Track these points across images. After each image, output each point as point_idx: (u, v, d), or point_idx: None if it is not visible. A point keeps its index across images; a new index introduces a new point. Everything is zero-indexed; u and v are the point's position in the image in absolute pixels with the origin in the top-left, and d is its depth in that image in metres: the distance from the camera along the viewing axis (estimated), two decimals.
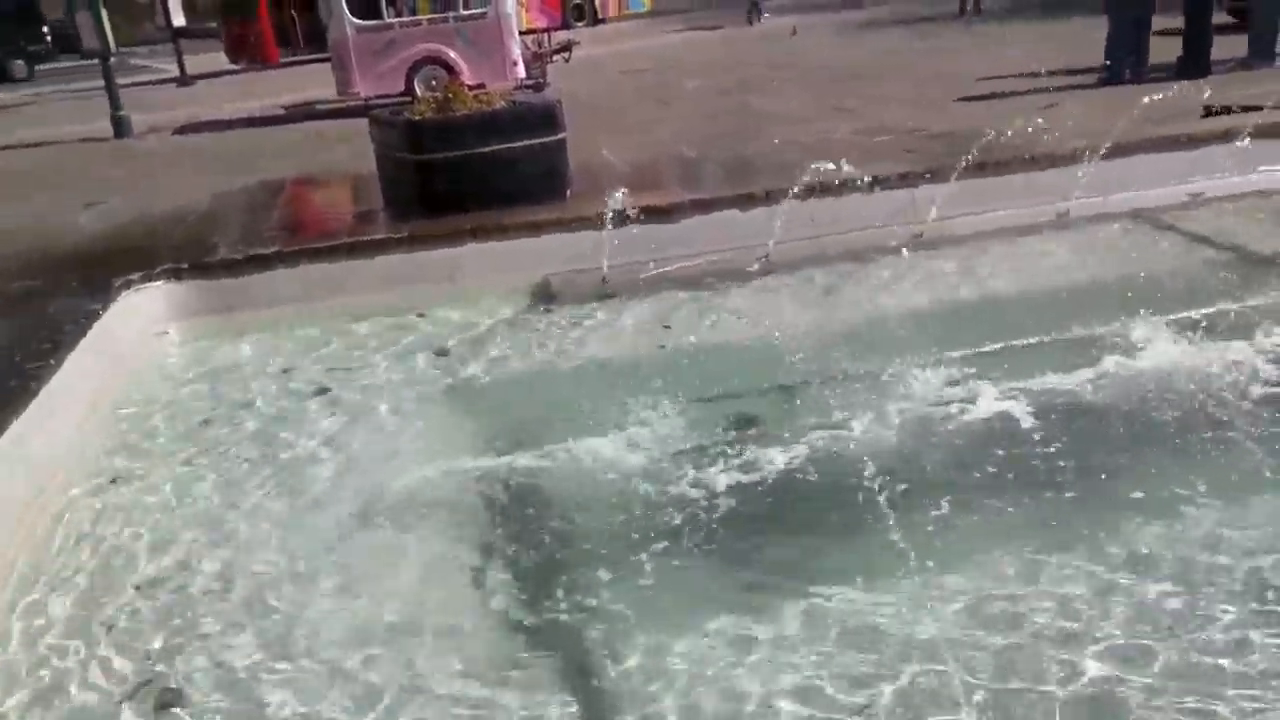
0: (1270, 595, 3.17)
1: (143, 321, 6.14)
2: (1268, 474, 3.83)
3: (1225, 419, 4.27)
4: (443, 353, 5.71)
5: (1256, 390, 4.44)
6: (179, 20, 21.73)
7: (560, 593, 3.52)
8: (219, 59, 21.55)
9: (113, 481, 4.55)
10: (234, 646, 3.37)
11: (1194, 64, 10.26)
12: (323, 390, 5.34)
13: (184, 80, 21.33)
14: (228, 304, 6.42)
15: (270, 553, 3.91)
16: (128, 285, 6.21)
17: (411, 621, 3.44)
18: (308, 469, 4.54)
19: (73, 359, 5.04)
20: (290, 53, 21.94)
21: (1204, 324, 4.94)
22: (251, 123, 14.15)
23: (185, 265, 6.57)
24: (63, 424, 4.74)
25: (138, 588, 3.74)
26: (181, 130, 14.14)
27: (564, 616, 3.40)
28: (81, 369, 5.07)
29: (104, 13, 13.48)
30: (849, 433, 4.37)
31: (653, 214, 6.59)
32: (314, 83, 16.32)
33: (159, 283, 6.40)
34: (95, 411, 5.12)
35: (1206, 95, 8.10)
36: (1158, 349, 4.84)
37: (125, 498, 4.40)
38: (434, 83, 12.44)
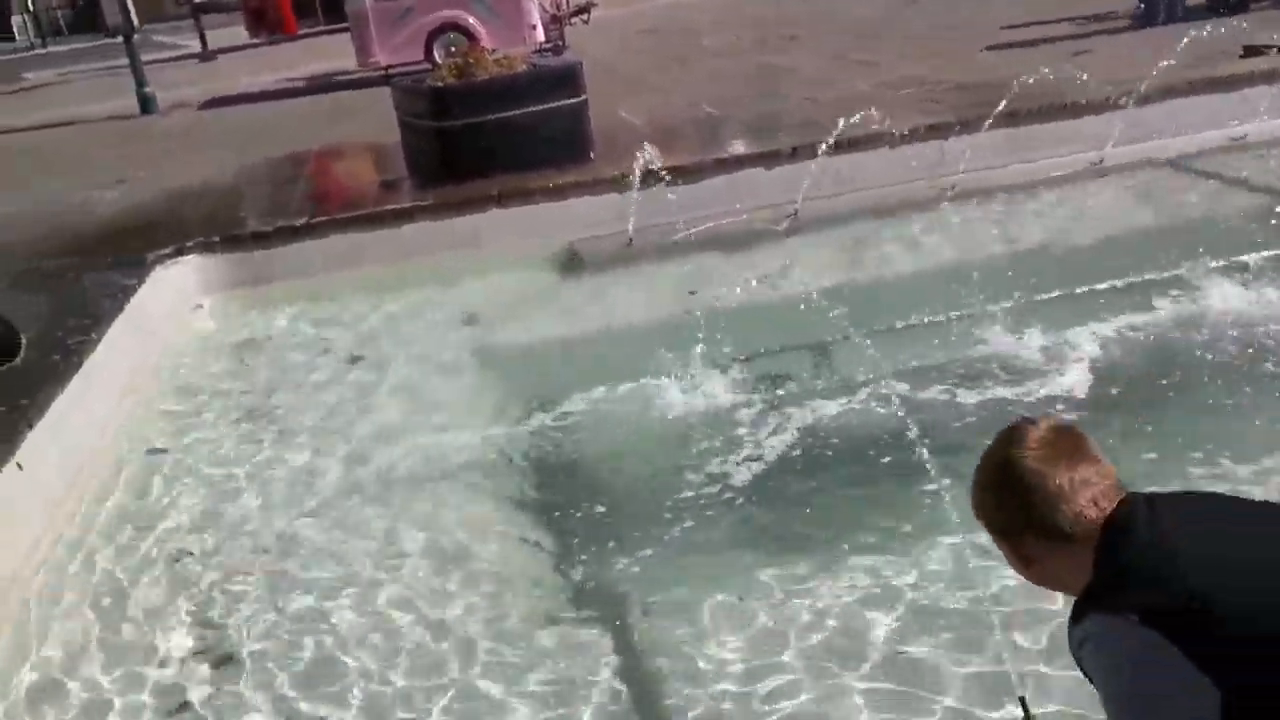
0: None
1: (177, 295, 6.19)
2: None
3: (1254, 353, 4.22)
4: (472, 320, 5.72)
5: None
6: None
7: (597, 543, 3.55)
8: (239, 33, 21.52)
9: (151, 452, 4.60)
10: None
11: (1230, 3, 10.00)
12: (356, 358, 5.37)
13: (206, 55, 21.31)
14: (259, 276, 6.47)
15: (311, 519, 3.96)
16: (160, 260, 6.27)
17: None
18: (346, 434, 4.58)
19: (110, 335, 5.10)
20: (309, 24, 21.89)
21: (1251, 269, 4.87)
22: (274, 96, 14.12)
23: (216, 239, 6.62)
24: (102, 399, 4.80)
25: (191, 554, 3.80)
26: (206, 105, 14.14)
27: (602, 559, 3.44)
28: (119, 344, 5.13)
29: None
30: (882, 384, 4.35)
31: (677, 175, 6.54)
32: (334, 53, 16.24)
33: (191, 257, 6.45)
34: (135, 386, 5.17)
35: (1245, 34, 7.89)
36: (1202, 296, 4.78)
37: (171, 468, 4.45)
38: (453, 49, 12.34)
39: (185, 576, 3.68)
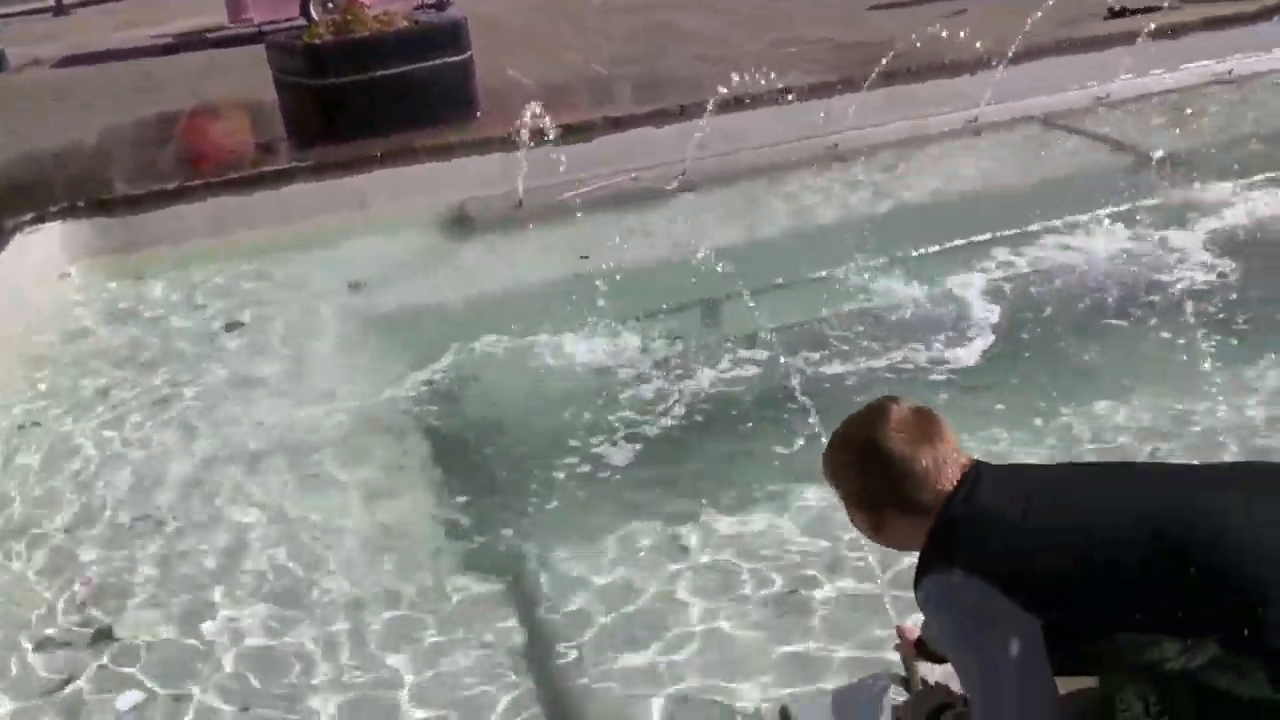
0: None
1: (41, 263, 5.87)
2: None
3: (1127, 302, 4.45)
4: (356, 284, 5.58)
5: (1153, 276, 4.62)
6: None
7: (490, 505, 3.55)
8: None
9: (21, 427, 4.38)
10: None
11: None
12: (233, 325, 5.19)
13: (60, 9, 20.12)
14: (130, 242, 6.17)
15: (181, 491, 3.83)
16: (21, 227, 5.93)
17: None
18: (223, 404, 4.44)
19: None
20: None
21: (1109, 222, 5.11)
22: (139, 53, 13.41)
23: (82, 204, 6.29)
24: None
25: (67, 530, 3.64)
26: (63, 63, 13.36)
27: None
28: None
29: None
30: (775, 339, 4.43)
31: (567, 133, 6.49)
32: (203, 9, 15.53)
33: (55, 223, 6.12)
34: None
35: None
36: (1066, 245, 5.00)
37: (38, 442, 4.25)
38: (330, 5, 11.94)
39: (53, 550, 3.53)
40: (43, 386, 4.76)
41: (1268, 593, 1.44)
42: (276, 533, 3.54)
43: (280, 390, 4.52)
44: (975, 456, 1.72)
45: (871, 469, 1.69)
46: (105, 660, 3.02)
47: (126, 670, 2.97)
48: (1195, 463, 2.27)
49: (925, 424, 1.70)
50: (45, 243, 6.01)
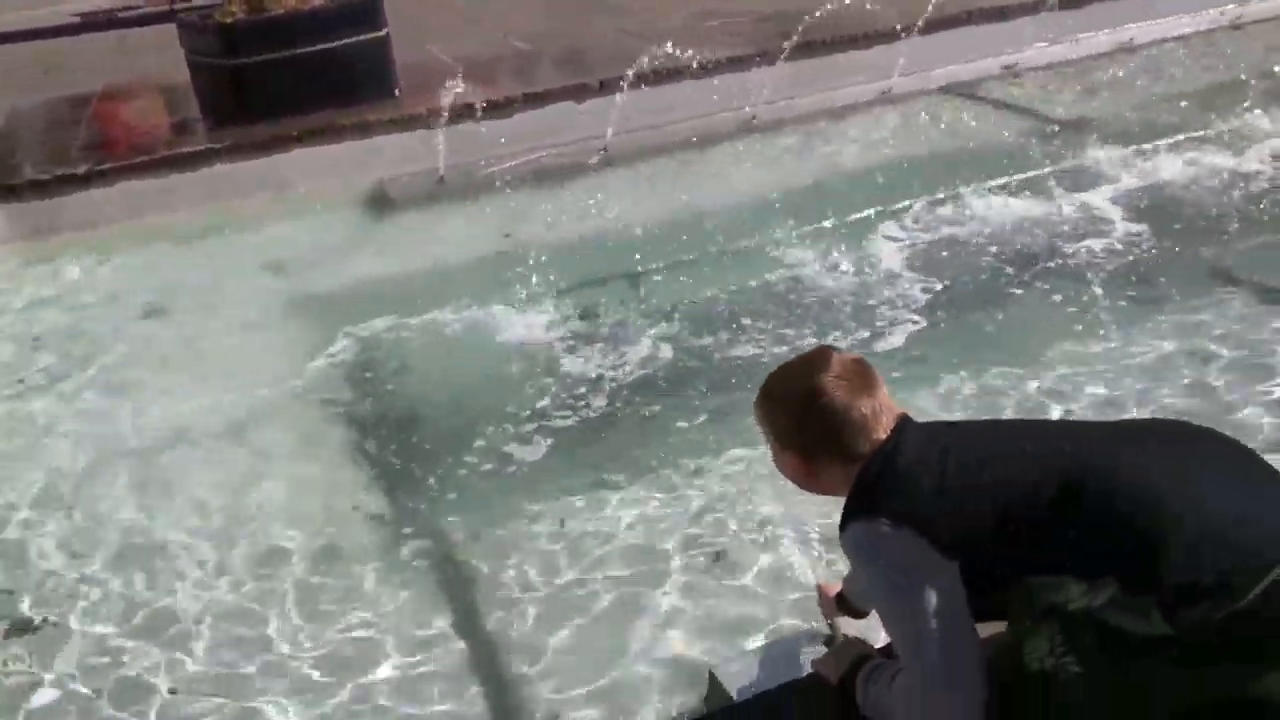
0: None
1: None
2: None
3: (1031, 264, 4.63)
4: (276, 265, 5.53)
5: (1060, 240, 4.81)
6: None
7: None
8: None
9: None
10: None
11: None
12: (153, 311, 5.13)
13: None
14: (40, 228, 6.04)
15: (94, 483, 3.81)
16: None
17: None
18: (141, 391, 4.40)
19: None
20: None
21: (1018, 187, 5.30)
22: (42, 34, 12.99)
23: None
24: None
25: None
26: None
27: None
28: None
29: None
30: (695, 309, 4.52)
31: (487, 110, 6.49)
32: None
33: None
34: None
35: None
36: (977, 212, 5.17)
37: None
38: None
39: None
40: None
41: (1159, 534, 1.52)
42: (187, 517, 3.54)
43: (198, 374, 4.48)
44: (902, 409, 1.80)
45: (811, 416, 1.75)
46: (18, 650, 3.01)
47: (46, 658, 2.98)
48: (1104, 420, 2.38)
49: (863, 374, 1.78)
50: None
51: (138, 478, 3.79)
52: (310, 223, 6.04)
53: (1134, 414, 3.45)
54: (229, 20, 6.99)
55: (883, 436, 1.74)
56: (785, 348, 4.14)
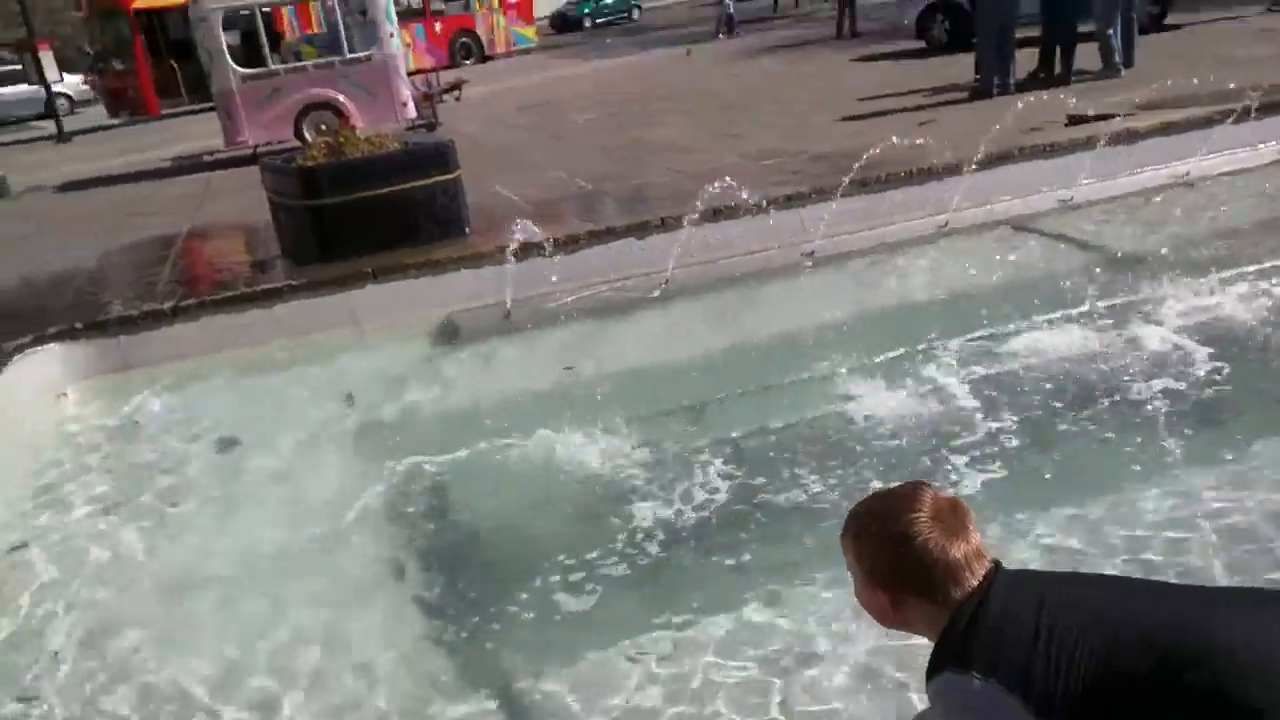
0: None
1: (38, 385, 5.99)
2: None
3: (1100, 398, 4.58)
4: (349, 397, 5.70)
5: (1127, 378, 4.77)
6: (53, 75, 21.10)
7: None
8: (99, 114, 20.99)
9: (13, 549, 4.43)
10: None
11: (1054, 75, 10.92)
12: (229, 443, 5.29)
13: (62, 137, 20.73)
14: (127, 362, 6.32)
15: (190, 610, 3.88)
16: (20, 350, 6.07)
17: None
18: (221, 521, 4.50)
19: None
20: (173, 104, 21.54)
21: (1081, 321, 5.29)
22: (136, 177, 13.82)
23: (79, 325, 6.45)
24: None
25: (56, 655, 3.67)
26: (63, 188, 13.74)
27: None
28: None
29: None
30: (760, 442, 4.53)
31: (552, 247, 6.72)
32: (200, 133, 16.03)
33: (53, 345, 6.26)
34: None
35: (1068, 104, 8.61)
36: (1043, 346, 5.17)
37: (32, 563, 4.29)
38: (323, 127, 12.37)
39: (56, 675, 3.55)
40: (35, 505, 4.82)
41: (1268, 714, 1.48)
42: (268, 652, 3.58)
43: (275, 506, 4.59)
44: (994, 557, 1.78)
45: (903, 556, 1.73)
46: None
47: None
48: (1190, 584, 2.32)
49: (958, 516, 1.76)
50: (42, 365, 6.14)
51: (212, 605, 3.85)
52: (380, 356, 6.23)
53: (1202, 556, 3.35)
54: (310, 164, 7.39)
55: (975, 583, 1.72)
56: (843, 484, 4.11)
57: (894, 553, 1.76)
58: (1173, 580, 1.97)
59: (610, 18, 39.06)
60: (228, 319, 6.61)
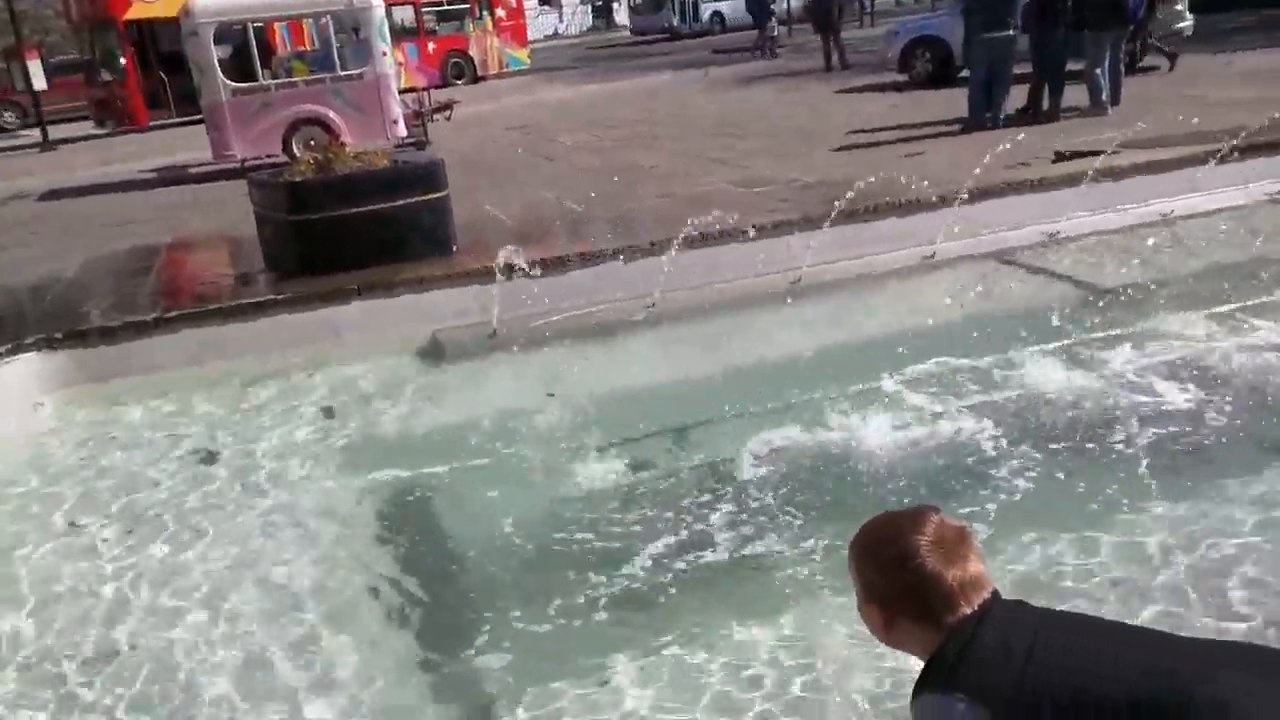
0: None
1: (15, 394, 5.90)
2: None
3: (1082, 431, 4.58)
4: (331, 413, 5.64)
5: (1107, 410, 4.78)
6: (40, 84, 21.01)
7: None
8: (84, 124, 20.91)
9: None
10: None
11: (1043, 111, 11.05)
12: (210, 456, 5.22)
13: (47, 145, 20.60)
14: (106, 373, 6.24)
15: (161, 620, 3.80)
16: None
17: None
18: (200, 534, 4.43)
19: None
20: (161, 116, 21.48)
21: (1066, 353, 5.31)
22: (121, 187, 13.74)
23: (58, 335, 6.37)
24: None
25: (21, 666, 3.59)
26: (46, 197, 13.64)
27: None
28: None
29: None
30: (741, 467, 4.51)
31: (540, 267, 6.70)
32: (187, 145, 15.97)
33: (30, 354, 6.18)
34: None
35: (1055, 140, 8.70)
36: (1027, 377, 5.18)
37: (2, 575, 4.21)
38: (312, 143, 12.35)
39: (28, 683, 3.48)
40: (9, 517, 4.74)
41: None
42: (240, 662, 3.52)
43: (253, 520, 4.52)
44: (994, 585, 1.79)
45: (900, 575, 1.76)
46: None
47: None
48: (1188, 636, 2.31)
49: (960, 543, 1.79)
50: (19, 374, 6.06)
51: (186, 620, 3.78)
52: (366, 372, 6.18)
53: (1181, 589, 3.35)
54: (297, 179, 7.36)
55: (967, 610, 1.74)
56: (824, 510, 4.10)
57: (890, 573, 1.79)
58: (1165, 629, 1.97)
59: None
60: (210, 332, 6.55)
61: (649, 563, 3.90)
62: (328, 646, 3.59)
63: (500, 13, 29.16)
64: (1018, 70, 11.04)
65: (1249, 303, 5.85)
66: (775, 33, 25.95)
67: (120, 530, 4.54)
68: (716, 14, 39.77)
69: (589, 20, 53.28)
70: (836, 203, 7.09)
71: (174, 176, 14.36)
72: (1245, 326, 5.56)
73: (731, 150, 11.51)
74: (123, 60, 21.09)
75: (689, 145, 12.29)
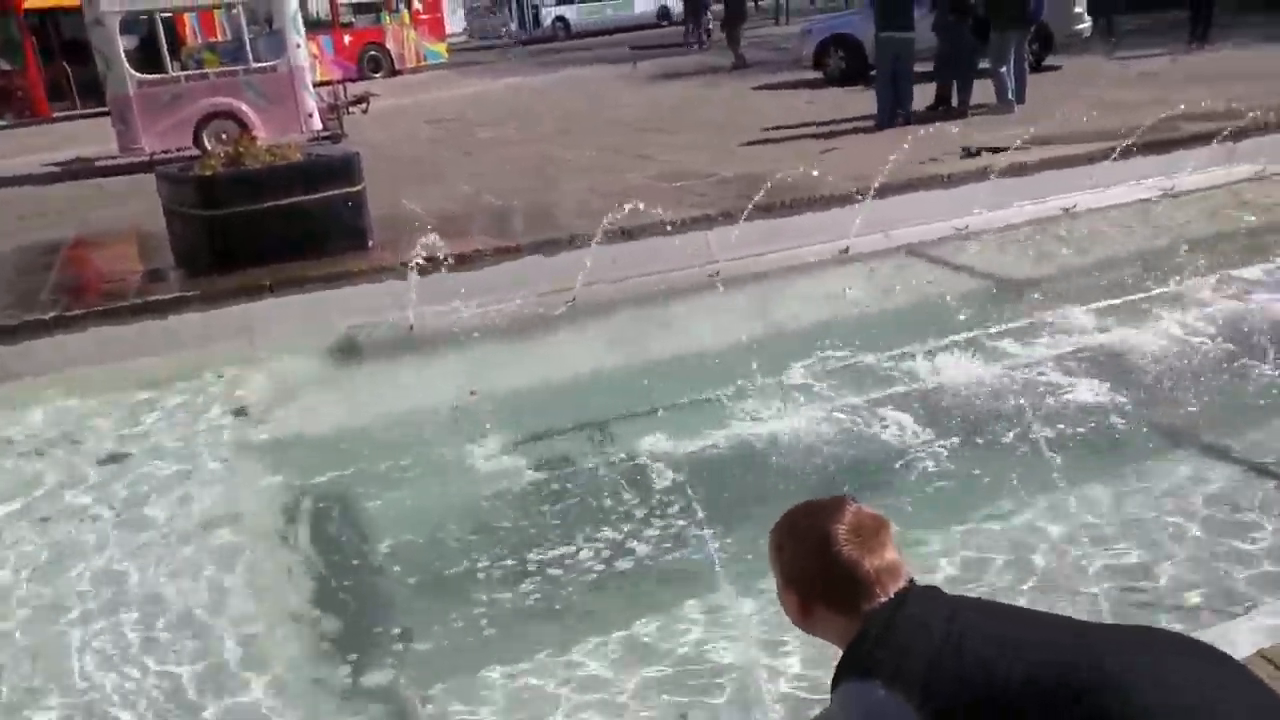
0: None
1: None
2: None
3: (991, 419, 4.73)
4: (242, 412, 5.54)
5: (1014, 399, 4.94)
6: None
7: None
8: None
9: None
10: None
11: (951, 108, 11.33)
12: (115, 457, 5.08)
13: None
14: (6, 372, 6.02)
15: (65, 629, 3.70)
16: None
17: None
18: (100, 538, 4.32)
19: None
20: (64, 107, 20.76)
21: (973, 344, 5.47)
22: (21, 181, 13.23)
23: None
24: None
25: None
26: None
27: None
28: None
29: None
30: (655, 460, 4.56)
31: (458, 262, 6.65)
32: (92, 138, 15.44)
33: None
34: None
35: (964, 137, 8.93)
36: (939, 368, 5.32)
37: None
38: (224, 136, 12.06)
39: None
40: None
41: None
42: (129, 673, 3.45)
43: (160, 522, 4.42)
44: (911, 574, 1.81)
45: (816, 563, 1.78)
46: None
47: None
48: (1104, 622, 2.38)
49: (876, 532, 1.80)
50: None
51: (97, 626, 3.69)
52: (278, 369, 6.07)
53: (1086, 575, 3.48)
54: (208, 173, 7.19)
55: (883, 598, 1.76)
56: (739, 502, 4.16)
57: (808, 561, 1.81)
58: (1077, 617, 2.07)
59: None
60: (116, 330, 6.37)
61: (567, 560, 3.92)
62: (222, 650, 3.52)
63: (417, 5, 28.79)
64: (926, 69, 11.30)
65: (1149, 293, 6.09)
66: (710, 26, 26.25)
67: (13, 535, 4.39)
68: (560, 19, 36.05)
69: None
70: (752, 199, 7.18)
71: (78, 170, 13.88)
72: (1146, 316, 5.79)
73: (652, 144, 11.56)
74: (23, 49, 20.33)
75: (610, 139, 12.31)
